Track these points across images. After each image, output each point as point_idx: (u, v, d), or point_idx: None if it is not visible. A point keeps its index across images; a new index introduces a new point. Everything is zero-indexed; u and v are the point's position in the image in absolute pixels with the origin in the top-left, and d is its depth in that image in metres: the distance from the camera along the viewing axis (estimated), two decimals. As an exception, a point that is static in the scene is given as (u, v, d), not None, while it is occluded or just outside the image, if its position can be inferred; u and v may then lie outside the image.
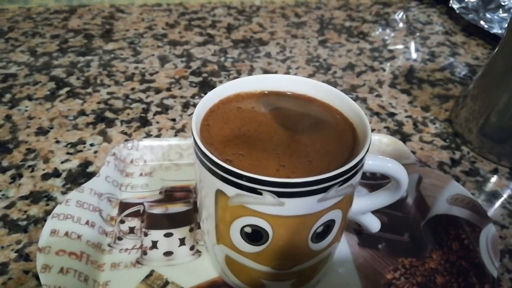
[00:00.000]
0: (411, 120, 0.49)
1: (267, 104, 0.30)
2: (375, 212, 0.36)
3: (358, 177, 0.25)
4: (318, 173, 0.23)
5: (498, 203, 0.39)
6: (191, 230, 0.34)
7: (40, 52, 0.58)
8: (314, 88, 0.30)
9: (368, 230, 0.34)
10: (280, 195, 0.23)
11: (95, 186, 0.35)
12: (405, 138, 0.46)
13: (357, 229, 0.35)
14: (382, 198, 0.30)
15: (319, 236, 0.26)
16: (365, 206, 0.31)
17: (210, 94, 0.28)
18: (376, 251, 0.34)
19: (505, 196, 0.40)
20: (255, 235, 0.25)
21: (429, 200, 0.37)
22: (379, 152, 0.42)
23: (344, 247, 0.34)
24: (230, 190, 0.23)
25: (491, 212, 0.38)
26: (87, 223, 0.33)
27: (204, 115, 0.28)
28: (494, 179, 0.42)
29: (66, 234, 0.31)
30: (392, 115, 0.50)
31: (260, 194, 0.23)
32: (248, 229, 0.25)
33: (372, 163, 0.27)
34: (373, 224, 0.33)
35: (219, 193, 0.24)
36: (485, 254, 0.31)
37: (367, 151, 0.25)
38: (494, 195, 0.40)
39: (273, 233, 0.25)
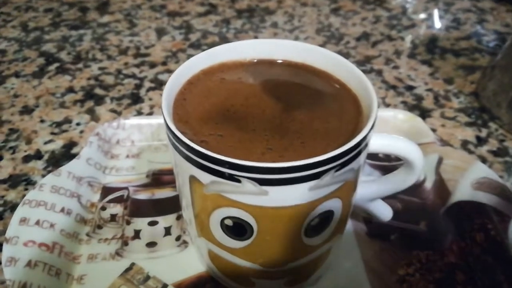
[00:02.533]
0: (431, 94, 0.44)
1: (256, 74, 0.25)
2: (388, 198, 0.31)
3: (360, 159, 0.21)
4: (310, 157, 0.18)
5: (531, 187, 0.34)
6: (178, 218, 0.31)
7: (32, 27, 0.54)
8: (312, 54, 0.26)
9: (379, 219, 0.29)
10: (262, 182, 0.19)
11: (74, 169, 0.32)
12: (424, 113, 0.41)
13: (366, 217, 0.31)
14: (392, 184, 0.26)
15: (315, 230, 0.22)
16: (373, 193, 0.26)
17: (188, 63, 0.24)
18: (388, 243, 0.29)
19: (539, 179, 0.35)
20: (237, 229, 0.21)
21: (450, 184, 0.33)
22: (394, 130, 0.37)
23: (350, 238, 0.29)
24: (204, 177, 0.20)
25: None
26: (62, 210, 0.29)
27: (181, 88, 0.24)
28: (526, 159, 0.37)
29: (37, 222, 0.28)
30: (410, 88, 0.45)
31: (239, 181, 0.19)
32: (229, 222, 0.21)
33: (380, 142, 0.23)
34: (384, 212, 0.29)
35: (193, 179, 0.20)
36: (515, 247, 0.27)
37: (371, 128, 0.20)
38: (526, 178, 0.35)
39: (257, 227, 0.21)
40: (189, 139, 0.20)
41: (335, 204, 0.21)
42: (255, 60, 0.26)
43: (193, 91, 0.24)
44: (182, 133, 0.20)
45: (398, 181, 0.25)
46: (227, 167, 0.18)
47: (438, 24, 0.58)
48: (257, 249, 0.22)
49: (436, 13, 0.61)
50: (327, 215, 0.21)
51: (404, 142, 0.23)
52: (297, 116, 0.23)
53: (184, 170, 0.21)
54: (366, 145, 0.21)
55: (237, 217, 0.20)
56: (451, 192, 0.32)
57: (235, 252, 0.23)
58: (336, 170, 0.19)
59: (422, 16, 0.60)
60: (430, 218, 0.31)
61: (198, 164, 0.19)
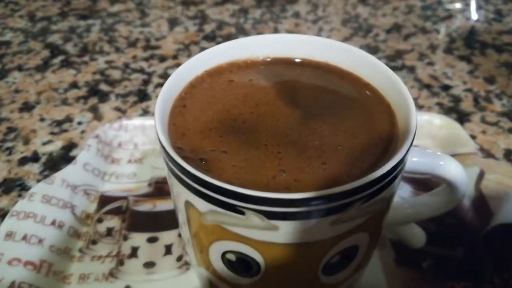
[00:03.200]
0: (471, 95, 0.39)
1: (271, 75, 0.22)
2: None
3: (394, 187, 0.17)
4: (332, 184, 0.15)
5: None
6: (181, 234, 0.27)
7: (39, 17, 0.52)
8: (338, 52, 0.22)
9: (410, 245, 0.25)
10: (271, 216, 0.15)
11: (69, 176, 0.29)
12: (462, 117, 0.37)
13: (394, 241, 0.27)
14: (429, 207, 0.22)
15: (335, 268, 0.18)
16: (406, 217, 0.22)
17: (191, 62, 0.21)
18: (419, 271, 0.25)
19: None
20: (241, 265, 0.18)
21: (492, 203, 0.28)
22: (429, 137, 0.33)
23: (375, 265, 0.26)
24: (201, 205, 0.16)
25: None
26: (53, 223, 0.27)
27: (180, 92, 0.20)
28: None
29: (25, 237, 0.25)
30: (446, 88, 0.40)
31: (242, 213, 0.15)
32: (231, 257, 0.17)
33: (416, 160, 0.19)
34: (416, 237, 0.25)
35: (189, 205, 0.17)
36: None
37: (409, 148, 0.16)
38: None
39: (265, 264, 0.17)
40: (185, 156, 0.16)
41: (360, 239, 0.17)
42: (270, 59, 0.22)
43: (195, 96, 0.20)
44: (178, 149, 0.17)
45: (437, 204, 0.22)
46: (229, 197, 0.15)
47: (477, 15, 0.53)
48: (266, 287, 0.19)
49: (475, 3, 0.55)
50: (350, 251, 0.18)
51: (445, 160, 0.19)
52: (318, 128, 0.19)
53: (179, 194, 0.17)
54: (402, 169, 0.17)
55: (240, 252, 0.17)
56: (493, 213, 0.28)
57: (240, 288, 0.19)
58: (364, 202, 0.15)
59: (460, 6, 0.54)
60: (468, 243, 0.27)
61: (194, 190, 0.16)
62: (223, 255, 0.18)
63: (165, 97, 0.19)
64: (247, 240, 0.16)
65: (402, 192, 0.30)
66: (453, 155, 0.31)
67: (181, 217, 0.19)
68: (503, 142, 0.35)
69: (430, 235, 0.26)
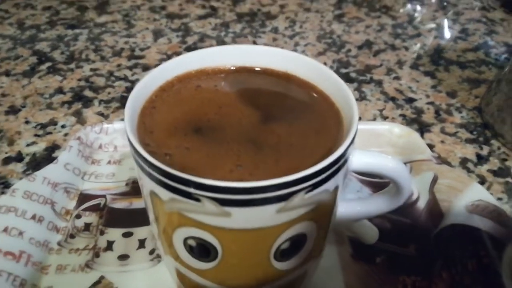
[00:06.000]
0: (432, 108, 0.42)
1: (235, 82, 0.24)
2: (378, 218, 0.30)
3: (337, 180, 0.19)
4: (281, 176, 0.17)
5: (532, 211, 0.32)
6: (153, 230, 0.29)
7: (28, 25, 0.54)
8: (296, 63, 0.24)
9: (363, 241, 0.28)
10: (223, 203, 0.17)
11: (50, 174, 0.31)
12: (423, 128, 0.39)
13: (351, 237, 0.29)
14: (377, 205, 0.24)
15: (286, 254, 0.20)
16: (357, 214, 0.25)
17: (162, 67, 0.23)
18: (373, 266, 0.28)
19: (541, 202, 0.33)
20: (201, 250, 0.20)
21: (444, 205, 0.31)
22: (388, 145, 0.35)
23: (332, 260, 0.28)
24: (163, 193, 0.18)
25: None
26: (33, 217, 0.28)
27: (151, 95, 0.22)
28: (529, 181, 0.35)
29: (5, 230, 0.27)
30: (410, 100, 0.43)
31: (198, 200, 0.17)
32: (192, 242, 0.20)
33: (364, 161, 0.21)
34: (369, 233, 0.27)
35: (153, 195, 0.19)
36: (508, 278, 0.25)
37: (349, 145, 0.18)
38: (527, 201, 0.33)
39: (222, 249, 0.19)
40: (151, 151, 0.18)
41: (308, 227, 0.20)
42: (235, 67, 0.25)
43: (164, 99, 0.22)
44: (145, 144, 0.19)
45: (383, 203, 0.24)
46: (186, 185, 0.17)
47: (445, 34, 0.56)
48: (224, 272, 0.21)
49: (444, 23, 0.59)
50: (299, 239, 0.20)
51: (391, 161, 0.22)
52: (275, 129, 0.21)
53: (145, 185, 0.19)
54: (344, 163, 0.19)
55: (199, 238, 0.19)
56: (444, 214, 0.30)
57: (202, 274, 0.21)
58: (307, 192, 0.18)
59: (429, 25, 0.58)
60: (420, 241, 0.29)
61: (157, 180, 0.18)
62: (185, 241, 0.20)
63: (135, 98, 0.21)
64: (204, 226, 0.18)
65: (362, 194, 0.33)
66: (411, 162, 0.34)
67: (148, 207, 0.21)
68: (460, 151, 0.37)
69: (385, 234, 0.29)
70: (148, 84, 0.22)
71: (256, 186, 0.16)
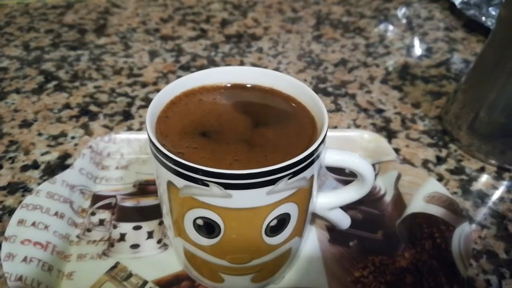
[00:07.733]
0: (399, 117, 0.48)
1: (230, 96, 0.29)
2: (351, 210, 0.35)
3: (313, 169, 0.24)
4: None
5: (481, 203, 0.38)
6: (160, 223, 0.34)
7: (33, 47, 0.58)
8: (280, 80, 0.30)
9: (338, 227, 0.33)
10: (226, 186, 0.22)
11: (68, 177, 0.35)
12: (391, 134, 0.45)
13: (330, 226, 0.34)
14: (348, 194, 0.30)
15: (274, 230, 0.25)
16: (331, 202, 0.30)
17: (171, 86, 0.28)
18: (347, 248, 0.33)
19: (489, 195, 0.39)
20: (207, 228, 0.25)
21: (406, 198, 0.36)
22: (360, 149, 0.41)
23: (313, 243, 0.33)
24: (179, 182, 0.23)
25: (473, 211, 0.37)
26: (56, 214, 0.33)
27: (164, 107, 0.28)
28: (479, 178, 0.41)
29: (33, 224, 0.31)
30: (380, 111, 0.49)
31: (207, 185, 0.22)
32: (200, 221, 0.25)
33: (336, 157, 0.27)
34: (343, 220, 0.32)
35: (170, 184, 0.24)
36: (456, 254, 0.30)
37: (320, 144, 0.24)
38: (478, 195, 0.39)
39: (224, 226, 0.24)
40: (168, 150, 0.23)
41: (291, 208, 0.25)
42: (230, 84, 0.30)
43: (174, 110, 0.28)
44: (162, 145, 0.24)
45: (352, 192, 0.29)
46: (197, 173, 0.22)
47: (412, 52, 0.63)
48: (225, 247, 0.26)
49: (411, 42, 0.66)
50: (284, 217, 0.25)
51: (357, 158, 0.27)
52: (264, 133, 0.27)
53: (163, 176, 0.24)
54: (317, 157, 0.24)
55: (206, 217, 0.24)
56: (406, 205, 0.36)
57: (206, 250, 0.26)
58: (289, 178, 0.23)
59: (398, 45, 0.64)
60: (386, 228, 0.35)
61: (174, 171, 0.23)
62: (194, 221, 0.25)
63: (152, 110, 0.26)
64: (210, 207, 0.23)
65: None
66: (379, 162, 0.40)
67: (165, 202, 0.26)
68: (422, 154, 0.43)
69: (357, 222, 0.34)
70: (161, 99, 0.27)
71: (251, 172, 0.22)
